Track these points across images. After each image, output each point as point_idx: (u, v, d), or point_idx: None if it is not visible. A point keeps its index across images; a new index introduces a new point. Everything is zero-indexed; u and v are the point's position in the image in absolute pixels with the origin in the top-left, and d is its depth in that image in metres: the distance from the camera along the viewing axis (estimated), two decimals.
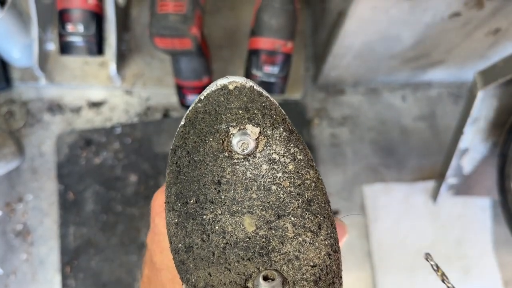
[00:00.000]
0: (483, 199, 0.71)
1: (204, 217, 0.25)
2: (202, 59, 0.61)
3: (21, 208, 0.68)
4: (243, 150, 0.25)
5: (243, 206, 0.26)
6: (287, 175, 0.26)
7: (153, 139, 0.70)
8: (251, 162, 0.26)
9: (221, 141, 0.26)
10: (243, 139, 0.25)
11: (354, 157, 0.73)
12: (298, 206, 0.26)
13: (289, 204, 0.26)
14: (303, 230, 0.25)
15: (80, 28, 0.58)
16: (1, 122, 0.70)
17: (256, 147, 0.26)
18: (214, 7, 0.75)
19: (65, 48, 0.60)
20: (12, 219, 0.67)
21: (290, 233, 0.25)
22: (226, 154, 0.26)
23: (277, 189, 0.26)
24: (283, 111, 0.27)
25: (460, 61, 0.69)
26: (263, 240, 0.25)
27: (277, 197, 0.26)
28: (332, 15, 0.61)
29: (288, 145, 0.26)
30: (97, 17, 0.59)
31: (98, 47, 0.60)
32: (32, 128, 0.71)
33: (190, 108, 0.26)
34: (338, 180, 0.72)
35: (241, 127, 0.26)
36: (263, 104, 0.26)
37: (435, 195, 0.69)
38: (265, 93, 0.26)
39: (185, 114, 0.26)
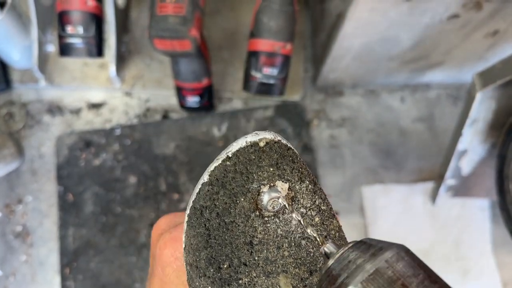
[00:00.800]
0: (482, 200, 0.71)
1: (240, 281, 0.24)
2: (202, 61, 0.61)
3: (20, 209, 0.68)
4: (273, 208, 0.25)
5: (277, 265, 0.25)
6: (315, 228, 0.25)
7: (152, 141, 0.70)
8: (281, 219, 0.25)
9: (252, 200, 0.25)
10: (274, 197, 0.24)
11: (353, 159, 0.73)
12: None
13: (319, 258, 0.25)
14: None
15: (80, 29, 0.58)
16: (1, 124, 0.70)
17: None
18: (213, 9, 0.75)
19: (64, 49, 0.60)
20: (11, 221, 0.67)
21: None
22: (257, 213, 0.25)
23: (306, 243, 0.25)
24: (304, 162, 0.26)
25: (459, 62, 0.69)
26: None
27: (307, 252, 0.25)
28: (331, 16, 0.62)
29: (313, 197, 0.25)
30: (96, 19, 0.59)
31: (97, 49, 0.60)
32: (32, 129, 0.71)
33: (217, 165, 0.24)
34: (337, 182, 0.72)
35: (271, 184, 0.25)
36: (291, 158, 0.25)
37: (434, 196, 0.69)
38: (289, 145, 0.26)
39: (209, 171, 0.24)
